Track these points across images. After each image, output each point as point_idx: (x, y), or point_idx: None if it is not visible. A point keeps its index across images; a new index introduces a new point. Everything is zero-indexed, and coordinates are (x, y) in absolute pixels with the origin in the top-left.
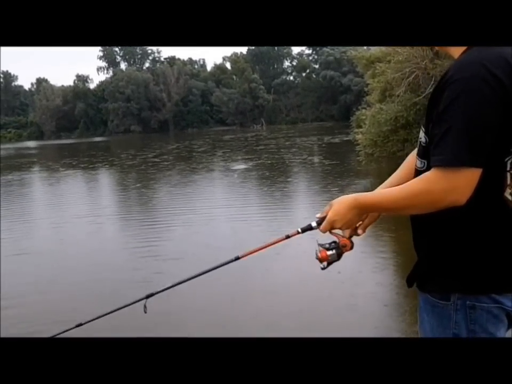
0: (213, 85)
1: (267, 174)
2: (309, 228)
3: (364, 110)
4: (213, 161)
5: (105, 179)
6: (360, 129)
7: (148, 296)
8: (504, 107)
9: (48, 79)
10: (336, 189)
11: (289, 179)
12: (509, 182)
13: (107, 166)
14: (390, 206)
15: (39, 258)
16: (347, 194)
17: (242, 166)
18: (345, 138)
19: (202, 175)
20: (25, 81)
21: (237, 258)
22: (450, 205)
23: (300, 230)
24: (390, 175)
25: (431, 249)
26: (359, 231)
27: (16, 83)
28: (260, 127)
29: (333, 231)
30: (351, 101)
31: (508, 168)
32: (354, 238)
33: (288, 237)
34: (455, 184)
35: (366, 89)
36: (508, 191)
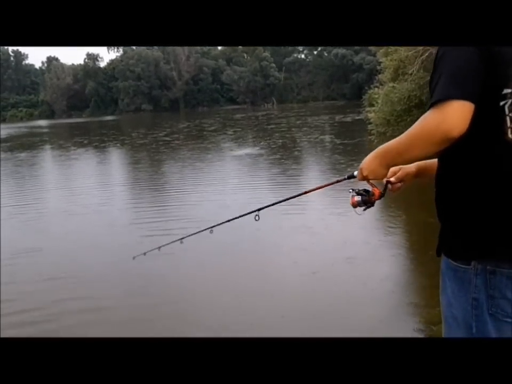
0: (223, 63)
1: (278, 153)
2: (352, 176)
3: (376, 89)
4: (224, 139)
5: (116, 158)
6: (373, 108)
7: (258, 209)
8: (487, 55)
9: (59, 58)
10: (348, 168)
11: (300, 158)
12: (509, 124)
13: (118, 144)
14: (399, 148)
15: (49, 235)
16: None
17: (251, 151)
18: (357, 117)
19: (213, 153)
20: (36, 60)
21: (306, 192)
22: (444, 137)
23: (346, 177)
24: None
25: (451, 215)
26: (391, 179)
27: (26, 62)
28: (271, 106)
29: (371, 180)
30: (363, 79)
31: (507, 112)
32: None
33: (338, 181)
34: (445, 115)
35: (378, 67)
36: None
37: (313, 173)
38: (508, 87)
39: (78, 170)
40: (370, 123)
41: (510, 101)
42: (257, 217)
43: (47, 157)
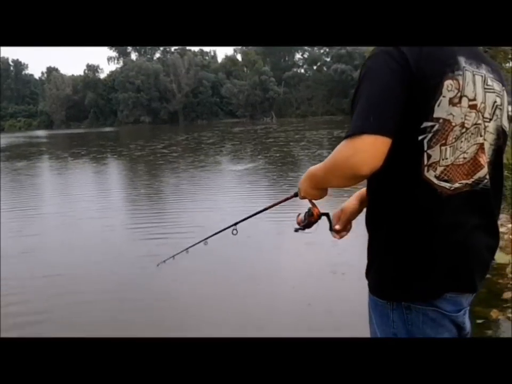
0: (223, 77)
1: (276, 167)
2: (297, 194)
3: None
4: (222, 152)
5: (114, 169)
6: None
7: (235, 224)
8: (409, 82)
9: (59, 68)
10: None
11: (298, 173)
12: (426, 162)
13: (116, 156)
14: (320, 175)
15: (46, 246)
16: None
17: (248, 165)
18: None
19: (211, 166)
20: (36, 70)
21: (255, 214)
22: (353, 173)
23: (293, 194)
24: None
25: (369, 248)
26: (337, 227)
27: (26, 72)
28: (270, 120)
29: (313, 201)
30: None
31: (425, 148)
32: None
33: (287, 199)
34: (356, 150)
35: None
36: (432, 172)
37: None
38: (428, 120)
39: (74, 180)
40: None
41: (429, 135)
42: (235, 232)
43: (45, 167)
